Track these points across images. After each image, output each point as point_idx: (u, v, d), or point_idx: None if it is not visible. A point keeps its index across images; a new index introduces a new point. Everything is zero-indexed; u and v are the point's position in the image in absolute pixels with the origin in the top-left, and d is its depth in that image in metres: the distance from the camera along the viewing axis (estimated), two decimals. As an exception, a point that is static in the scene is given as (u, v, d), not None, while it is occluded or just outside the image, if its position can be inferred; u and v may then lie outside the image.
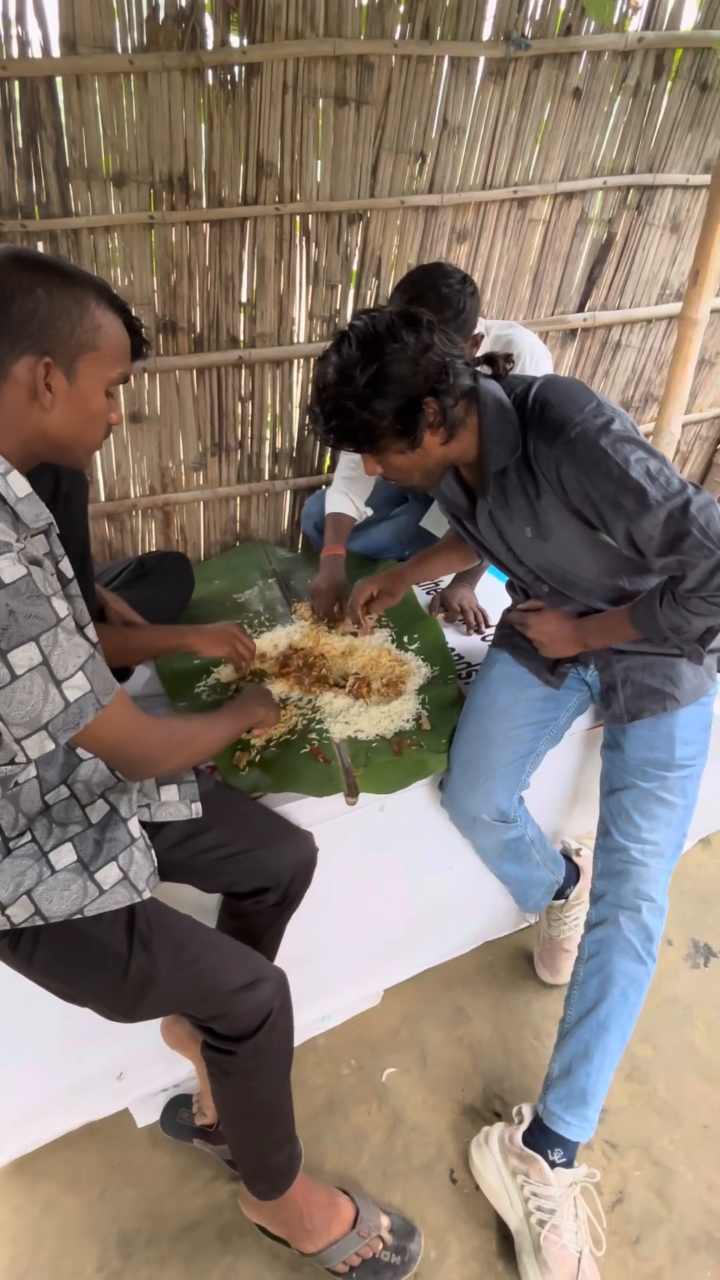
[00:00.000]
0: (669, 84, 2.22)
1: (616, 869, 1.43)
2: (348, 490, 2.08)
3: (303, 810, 1.40)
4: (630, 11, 2.10)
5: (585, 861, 1.83)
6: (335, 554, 2.02)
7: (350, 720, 1.57)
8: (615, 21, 2.07)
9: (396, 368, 1.18)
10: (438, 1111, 1.60)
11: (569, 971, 1.78)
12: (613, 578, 1.37)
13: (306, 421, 1.28)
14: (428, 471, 1.32)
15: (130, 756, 1.05)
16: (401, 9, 1.92)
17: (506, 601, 1.79)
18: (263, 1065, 1.15)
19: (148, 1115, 1.56)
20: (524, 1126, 1.41)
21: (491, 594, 2.02)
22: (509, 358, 1.33)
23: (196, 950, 1.11)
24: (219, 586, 2.14)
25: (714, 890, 2.08)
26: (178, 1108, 1.53)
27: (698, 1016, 1.79)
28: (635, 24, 2.12)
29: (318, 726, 1.55)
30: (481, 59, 2.02)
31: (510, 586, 1.64)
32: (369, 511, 2.14)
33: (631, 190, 2.37)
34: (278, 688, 1.67)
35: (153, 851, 1.17)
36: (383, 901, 1.65)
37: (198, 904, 1.38)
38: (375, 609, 1.77)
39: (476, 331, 1.76)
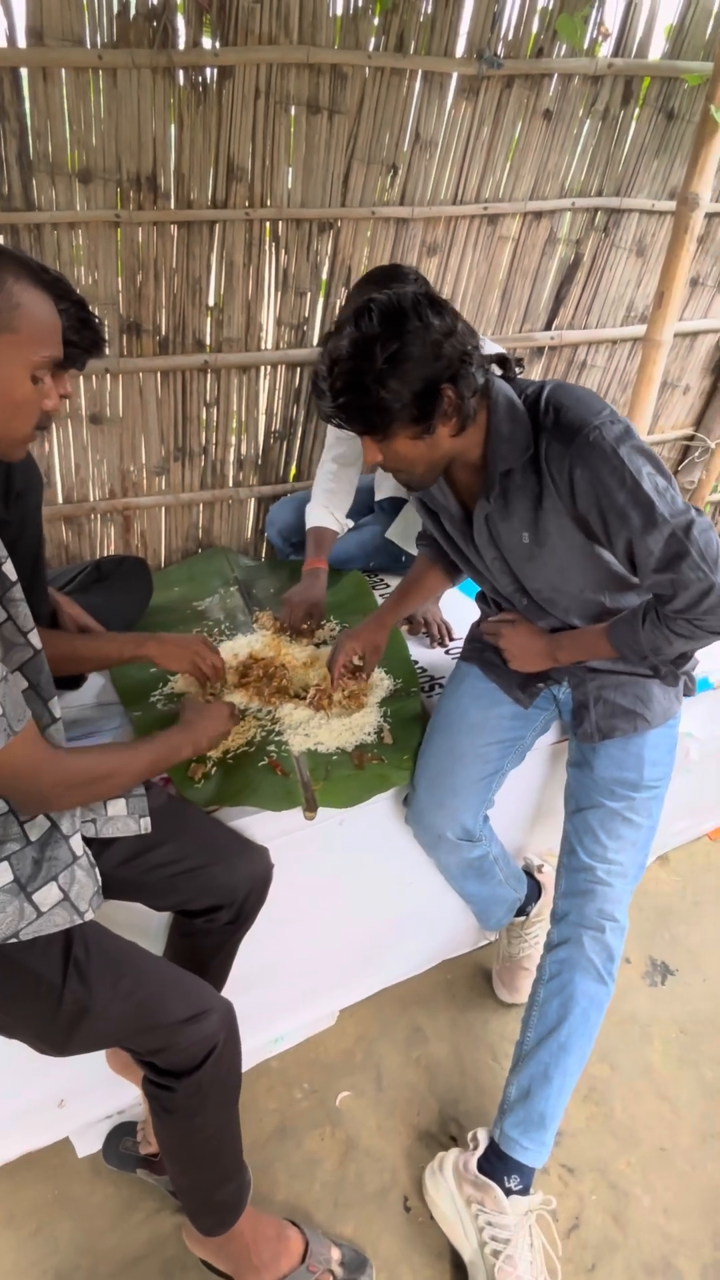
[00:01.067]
0: (637, 111, 2.26)
1: (581, 888, 1.41)
2: (328, 503, 2.05)
3: (259, 825, 1.36)
4: (600, 38, 2.13)
5: (547, 878, 1.82)
6: (317, 568, 1.98)
7: (310, 733, 1.53)
8: (585, 46, 2.10)
9: (419, 348, 1.12)
10: (392, 1136, 1.56)
11: (528, 990, 1.76)
12: (597, 592, 1.35)
13: (309, 395, 1.21)
14: (432, 464, 1.25)
15: (25, 791, 0.97)
16: (376, 21, 1.92)
17: (470, 615, 1.77)
18: (207, 1101, 1.09)
19: (89, 1144, 1.49)
20: (479, 1152, 1.38)
21: (455, 607, 2.01)
22: (520, 360, 1.31)
23: (136, 979, 1.05)
24: (179, 593, 2.09)
25: (672, 907, 2.09)
26: (121, 1136, 1.46)
27: (655, 1035, 1.78)
28: (605, 50, 2.15)
29: (277, 739, 1.51)
30: (454, 75, 2.03)
31: (482, 598, 1.62)
32: (350, 524, 2.12)
33: (599, 212, 2.40)
34: (236, 698, 1.62)
35: (97, 870, 1.12)
36: (340, 919, 1.61)
37: (144, 926, 1.33)
38: (368, 669, 1.65)
39: None
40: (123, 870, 1.18)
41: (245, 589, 2.10)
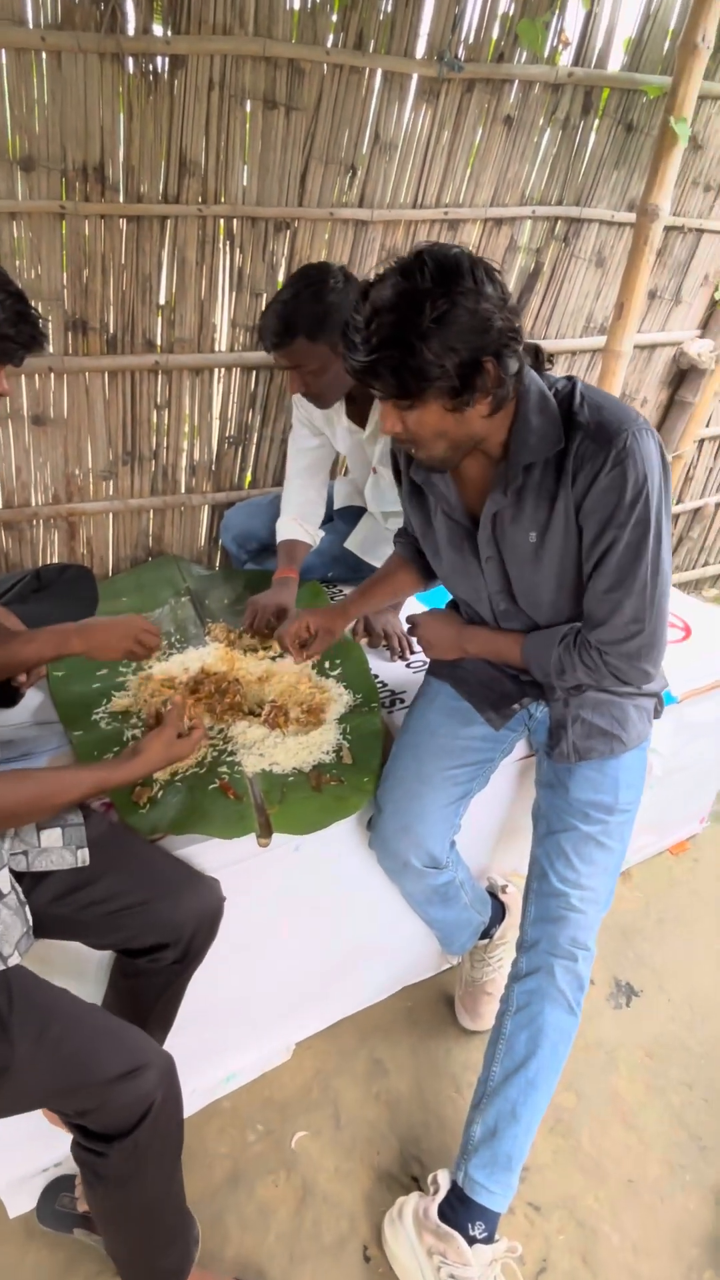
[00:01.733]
0: (597, 121, 2.25)
1: (554, 915, 1.35)
2: (299, 515, 1.98)
3: (208, 853, 1.27)
4: (561, 46, 2.11)
5: (511, 899, 1.76)
6: (288, 576, 1.91)
7: (265, 752, 1.45)
8: (546, 54, 2.08)
9: (469, 314, 1.02)
10: (351, 1179, 1.48)
11: (491, 1016, 1.70)
12: (578, 603, 1.30)
13: (343, 346, 1.07)
14: (456, 443, 1.16)
15: None
16: (334, 18, 1.87)
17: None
18: (144, 1166, 1.00)
19: (22, 1203, 1.37)
20: (440, 1197, 1.31)
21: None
22: (551, 356, 1.25)
23: (65, 1031, 0.96)
24: (127, 604, 1.99)
25: (635, 924, 2.05)
26: (57, 1192, 1.35)
27: (620, 1060, 1.73)
28: (565, 59, 2.14)
29: (229, 759, 1.42)
30: (415, 76, 1.99)
31: (453, 608, 1.56)
32: (322, 534, 2.05)
33: (559, 222, 2.39)
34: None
35: (27, 909, 1.02)
36: (296, 949, 1.53)
37: (81, 967, 1.23)
38: (315, 649, 1.59)
39: None
40: (57, 907, 1.08)
41: (197, 599, 2.01)
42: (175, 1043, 1.34)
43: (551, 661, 1.30)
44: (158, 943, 1.15)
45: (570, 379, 1.22)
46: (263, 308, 2.13)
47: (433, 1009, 1.80)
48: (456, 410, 1.10)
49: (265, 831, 1.27)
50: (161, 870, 1.17)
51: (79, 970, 1.24)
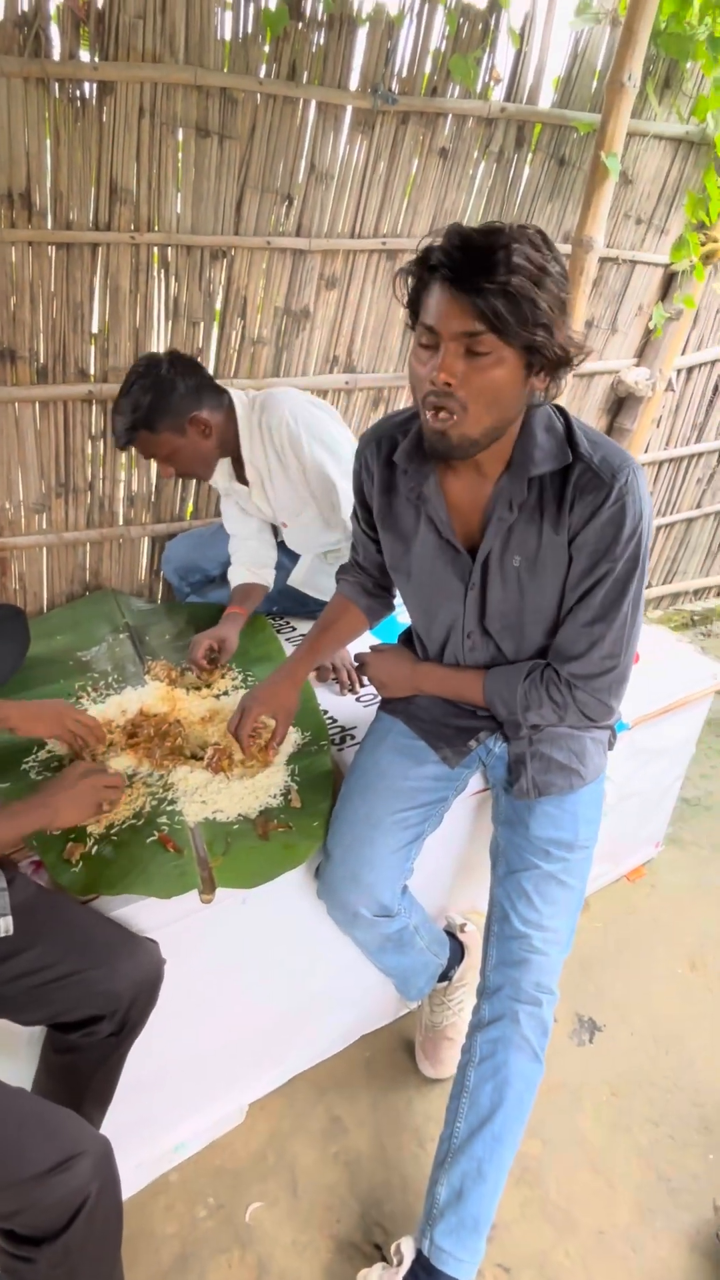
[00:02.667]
0: (530, 155, 2.29)
1: (516, 958, 1.30)
2: (249, 565, 1.96)
3: (147, 911, 1.19)
4: (492, 82, 2.15)
5: (469, 938, 1.70)
6: (235, 613, 1.87)
7: (208, 799, 1.37)
8: (478, 89, 2.11)
9: (562, 281, 1.02)
10: (310, 1252, 1.39)
11: (452, 1063, 1.64)
12: (547, 636, 1.28)
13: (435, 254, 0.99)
14: (500, 421, 1.08)
15: None
16: (266, 48, 1.85)
17: (381, 660, 1.67)
18: (77, 1270, 0.90)
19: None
20: (404, 1269, 1.23)
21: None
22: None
23: None
24: (61, 642, 1.89)
25: (595, 956, 2.01)
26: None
27: (586, 1100, 1.69)
28: (498, 94, 2.17)
29: (169, 808, 1.34)
30: (349, 107, 1.99)
31: (408, 640, 1.52)
32: (273, 572, 2.00)
33: (496, 253, 2.41)
34: (124, 761, 1.45)
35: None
36: (245, 1006, 1.44)
37: (7, 1044, 1.13)
38: (278, 738, 1.49)
39: (195, 414, 1.71)
40: (-22, 984, 0.99)
41: (136, 635, 1.93)
42: (116, 1116, 1.25)
43: (518, 698, 1.28)
44: (92, 1015, 1.06)
45: (559, 408, 1.21)
46: (201, 338, 2.10)
47: (392, 1058, 1.73)
48: (530, 373, 1.05)
49: (208, 887, 1.19)
50: (95, 936, 1.08)
51: (6, 1047, 1.15)
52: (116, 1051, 1.13)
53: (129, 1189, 1.41)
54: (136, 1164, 1.42)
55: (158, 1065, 1.30)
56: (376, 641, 1.93)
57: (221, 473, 1.89)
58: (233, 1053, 1.49)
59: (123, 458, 2.16)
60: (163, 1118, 1.44)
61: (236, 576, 1.96)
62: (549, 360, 1.04)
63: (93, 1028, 1.07)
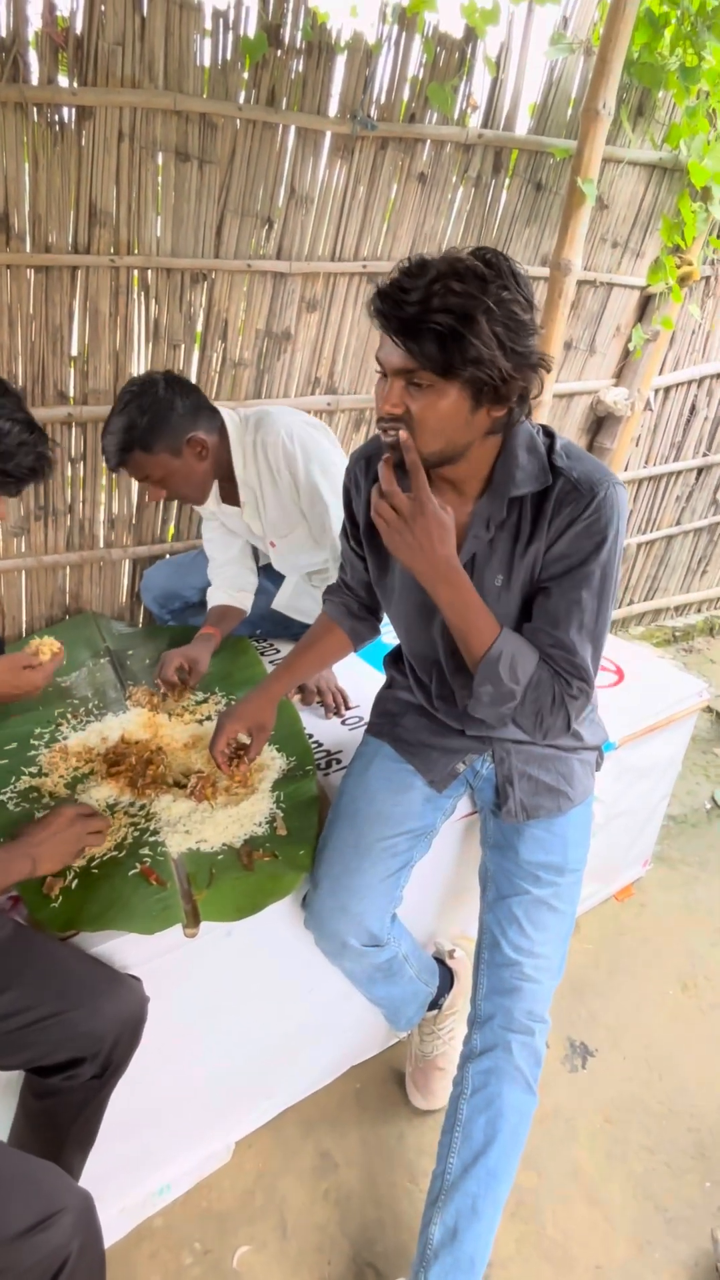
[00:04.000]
0: (507, 180, 2.31)
1: (508, 986, 1.27)
2: (227, 586, 1.94)
3: (129, 947, 1.15)
4: (469, 109, 2.17)
5: (459, 964, 1.68)
6: (208, 633, 1.84)
7: (192, 829, 1.34)
8: (456, 116, 2.14)
9: (522, 313, 1.01)
10: (301, 1297, 1.34)
11: (443, 1094, 1.61)
12: None
13: (370, 305, 1.02)
14: (450, 447, 1.09)
15: None
16: (245, 74, 1.87)
17: (369, 681, 1.65)
18: None
19: None
20: (401, 1313, 1.19)
21: (351, 673, 1.88)
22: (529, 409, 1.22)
23: None
24: (41, 668, 1.85)
25: (586, 978, 1.99)
26: None
27: (580, 1129, 1.66)
28: (475, 121, 2.19)
29: (152, 839, 1.31)
30: (328, 133, 2.00)
31: (393, 662, 1.50)
32: (251, 597, 1.98)
33: (476, 276, 2.43)
34: (105, 790, 1.42)
35: None
36: (231, 1041, 1.41)
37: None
38: (254, 752, 1.47)
39: (191, 435, 1.69)
40: (-48, 1029, 0.95)
41: (117, 660, 1.90)
42: (97, 1160, 1.21)
43: (520, 674, 1.16)
44: (74, 1057, 1.03)
45: (544, 427, 1.21)
46: (181, 360, 2.09)
47: (382, 1089, 1.69)
48: (475, 406, 1.05)
49: (192, 921, 1.16)
50: (75, 975, 1.05)
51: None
52: (99, 1095, 1.09)
53: (112, 1236, 1.36)
54: (120, 1210, 1.37)
55: (141, 1105, 1.26)
56: (365, 665, 1.92)
57: (210, 496, 1.88)
58: (218, 1089, 1.45)
59: (103, 480, 2.14)
60: (147, 1160, 1.40)
61: (215, 598, 1.95)
62: (500, 387, 1.04)
63: (74, 1071, 1.03)
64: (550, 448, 1.18)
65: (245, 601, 1.96)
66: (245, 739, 1.49)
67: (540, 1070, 1.28)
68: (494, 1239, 1.22)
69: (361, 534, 1.37)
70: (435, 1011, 1.62)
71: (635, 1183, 1.57)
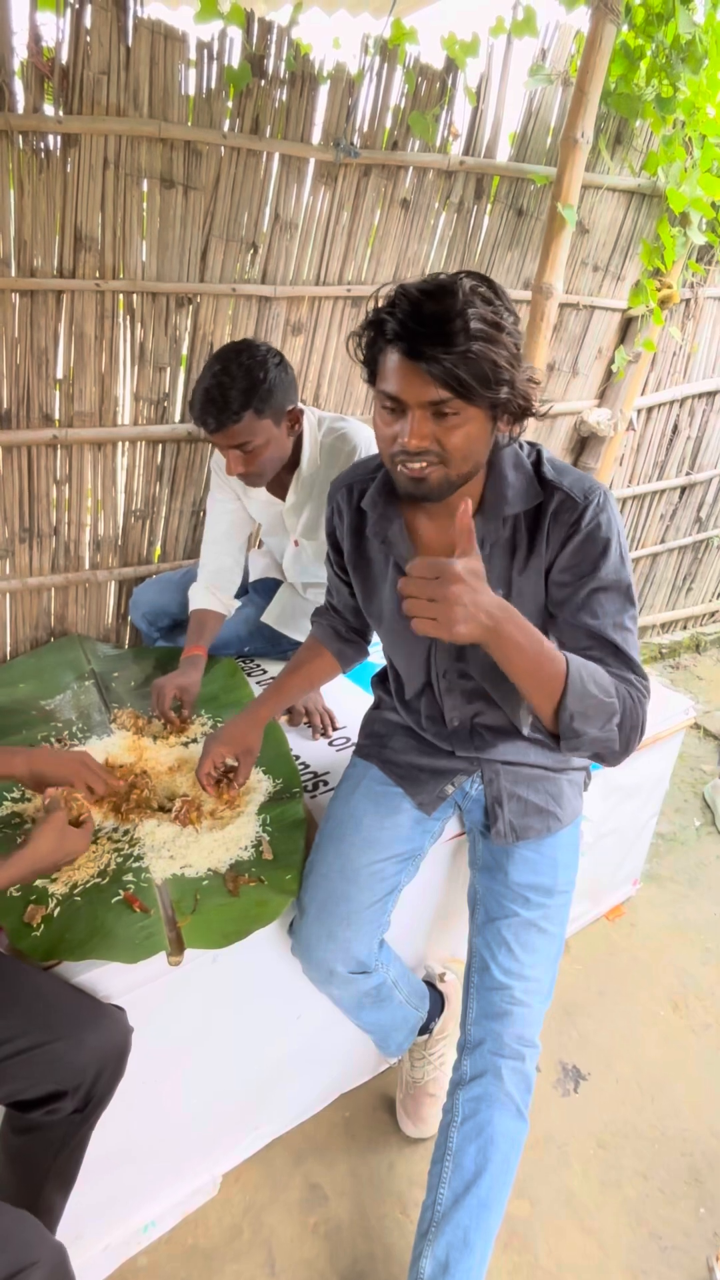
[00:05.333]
0: (489, 205, 2.35)
1: (498, 1010, 1.26)
2: (212, 583, 1.90)
3: (112, 977, 1.13)
4: (451, 137, 2.21)
5: (450, 988, 1.66)
6: (195, 655, 1.81)
7: (176, 854, 1.33)
8: (438, 143, 2.17)
9: (519, 337, 1.04)
10: (289, 1336, 1.31)
11: (435, 1120, 1.59)
12: None
13: (360, 334, 1.05)
14: (475, 463, 1.09)
15: None
16: (230, 103, 1.89)
17: (355, 702, 1.65)
18: None
19: None
20: (392, 1351, 1.16)
21: (338, 694, 1.87)
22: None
23: None
24: (25, 691, 1.84)
25: (576, 1000, 1.97)
26: None
27: (573, 1155, 1.63)
28: (456, 149, 2.23)
29: (135, 864, 1.29)
30: (312, 160, 2.03)
31: (380, 683, 1.49)
32: (237, 604, 1.96)
33: (459, 299, 2.46)
34: (89, 815, 1.40)
35: None
36: (216, 1071, 1.38)
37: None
38: (240, 777, 1.46)
39: (293, 407, 1.68)
40: (-72, 1063, 0.93)
41: (102, 682, 1.88)
42: (80, 1196, 1.17)
43: (609, 680, 1.06)
44: (54, 1091, 1.00)
45: (531, 443, 1.22)
46: (168, 383, 2.09)
47: (372, 1117, 1.66)
48: (496, 421, 1.07)
49: (177, 948, 1.14)
50: (57, 1006, 1.02)
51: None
52: (80, 1130, 1.06)
53: (95, 1276, 1.33)
54: (103, 1248, 1.34)
55: (124, 1139, 1.23)
56: (352, 686, 1.91)
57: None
58: (204, 1121, 1.42)
59: (89, 501, 2.14)
60: (131, 1195, 1.36)
61: (197, 598, 1.89)
62: (513, 410, 1.07)
63: (55, 1105, 1.00)
64: (537, 463, 1.19)
65: (227, 605, 1.92)
66: (232, 762, 1.47)
67: (531, 1096, 1.26)
68: (486, 1271, 1.20)
69: (346, 561, 1.38)
70: (426, 1036, 1.60)
71: (629, 1210, 1.55)
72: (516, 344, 1.04)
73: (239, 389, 1.57)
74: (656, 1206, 1.56)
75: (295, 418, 1.70)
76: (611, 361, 2.90)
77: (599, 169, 2.46)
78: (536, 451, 1.21)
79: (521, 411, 1.07)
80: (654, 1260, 1.47)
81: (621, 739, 1.07)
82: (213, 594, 1.90)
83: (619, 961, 2.10)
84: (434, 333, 0.96)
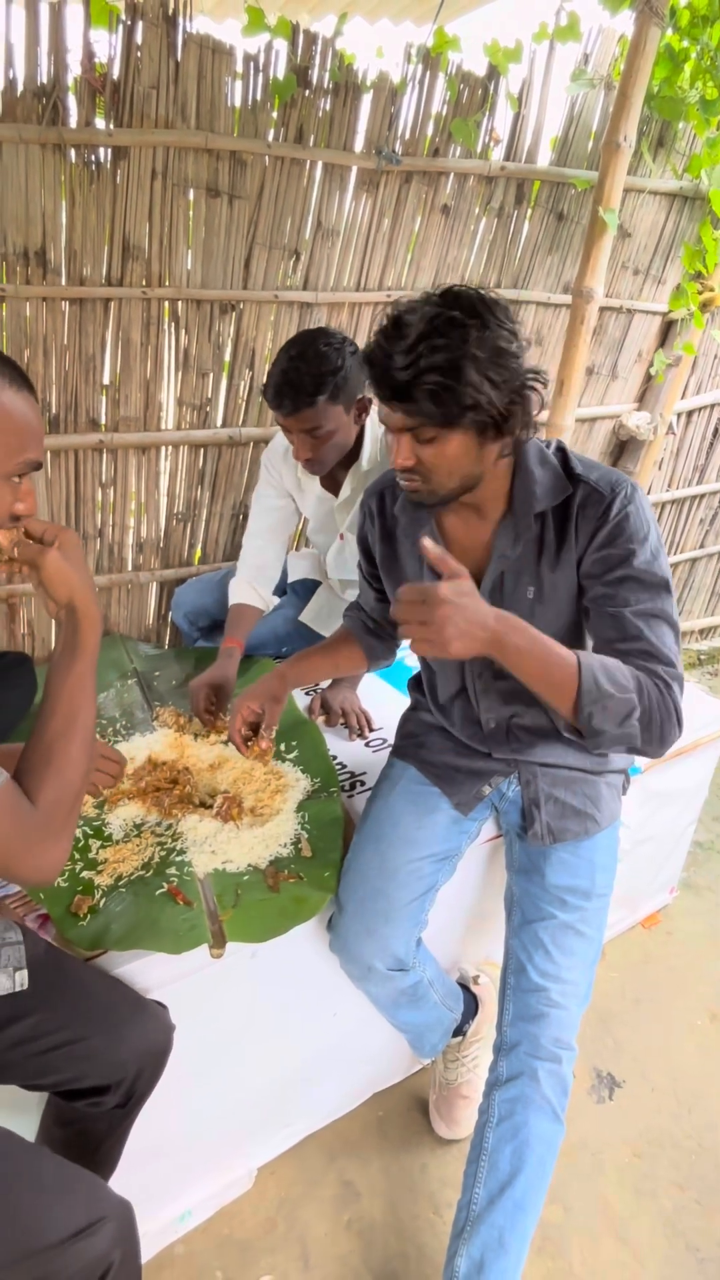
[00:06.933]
0: (529, 210, 2.36)
1: (534, 1013, 1.26)
2: (253, 579, 1.92)
3: (154, 968, 1.16)
4: (492, 143, 2.22)
5: (484, 991, 1.66)
6: (231, 648, 1.83)
7: (217, 849, 1.35)
8: (479, 149, 2.18)
9: (507, 347, 1.04)
10: (323, 1330, 1.32)
11: (467, 1123, 1.59)
12: None
13: (360, 360, 1.10)
14: (467, 478, 1.13)
15: (10, 849, 0.79)
16: (275, 114, 1.93)
17: (392, 704, 1.66)
18: None
19: None
20: (426, 1349, 1.17)
21: (375, 696, 1.89)
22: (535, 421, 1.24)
23: (6, 1185, 0.83)
24: (70, 689, 1.88)
25: (611, 1007, 1.96)
26: None
27: (608, 1163, 1.62)
28: (497, 154, 2.24)
29: (178, 858, 1.32)
30: (354, 168, 2.06)
31: (416, 686, 1.51)
32: (276, 600, 1.99)
33: (498, 304, 2.46)
34: (132, 809, 1.43)
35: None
36: (253, 1065, 1.40)
37: (16, 1102, 1.09)
38: (269, 723, 1.47)
39: (362, 395, 1.70)
40: (-19, 1046, 0.96)
41: (144, 681, 1.92)
42: (118, 1185, 1.19)
43: (628, 676, 1.05)
44: (98, 1085, 1.02)
45: (556, 440, 1.23)
46: (210, 388, 2.13)
47: (405, 1117, 1.67)
48: (482, 443, 1.10)
49: (219, 941, 1.17)
50: (101, 1000, 1.05)
51: (19, 1107, 1.11)
52: (122, 1124, 1.09)
53: (133, 1262, 1.36)
54: (141, 1235, 1.36)
55: (162, 1129, 1.26)
56: (389, 688, 1.93)
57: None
58: (240, 1114, 1.44)
59: (132, 504, 2.18)
60: (168, 1185, 1.39)
61: (237, 592, 1.91)
62: (502, 420, 1.07)
63: (98, 1098, 1.03)
64: (564, 459, 1.20)
65: (265, 600, 1.94)
66: (258, 710, 1.47)
67: (568, 1099, 1.26)
68: (521, 1274, 1.20)
69: (379, 567, 1.41)
70: (459, 1038, 1.60)
71: (664, 1221, 1.53)
72: (496, 358, 1.03)
73: (315, 373, 1.58)
74: (693, 1219, 1.54)
75: (364, 407, 1.71)
76: (651, 365, 2.88)
77: (640, 172, 2.45)
78: (561, 448, 1.22)
79: (501, 427, 1.08)
80: (690, 1273, 1.45)
81: (649, 733, 1.08)
82: (253, 589, 1.93)
83: (655, 970, 2.08)
84: (393, 371, 1.03)
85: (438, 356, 1.01)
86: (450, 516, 1.26)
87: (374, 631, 1.55)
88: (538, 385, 1.10)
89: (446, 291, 1.06)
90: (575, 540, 1.17)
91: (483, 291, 1.07)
